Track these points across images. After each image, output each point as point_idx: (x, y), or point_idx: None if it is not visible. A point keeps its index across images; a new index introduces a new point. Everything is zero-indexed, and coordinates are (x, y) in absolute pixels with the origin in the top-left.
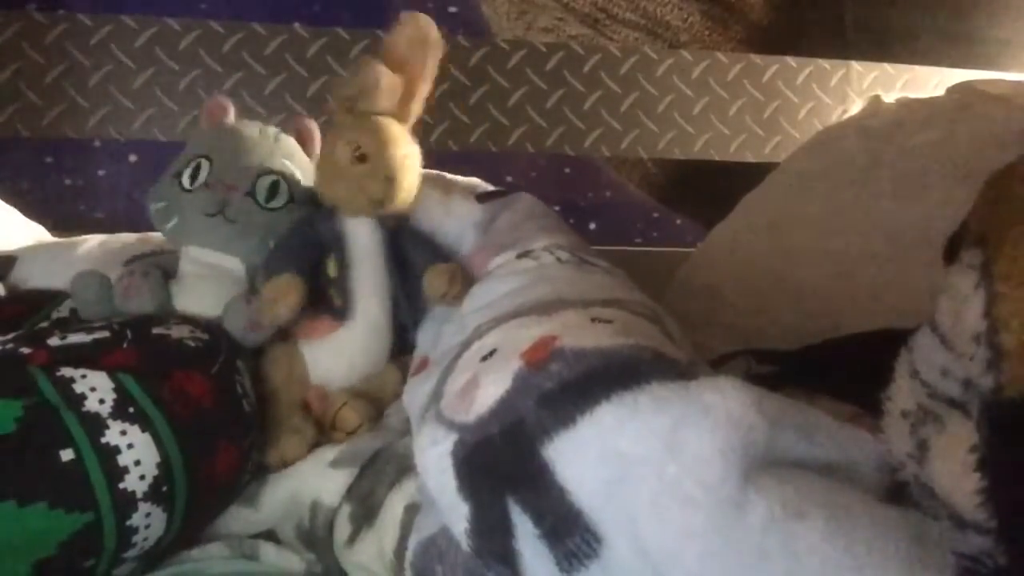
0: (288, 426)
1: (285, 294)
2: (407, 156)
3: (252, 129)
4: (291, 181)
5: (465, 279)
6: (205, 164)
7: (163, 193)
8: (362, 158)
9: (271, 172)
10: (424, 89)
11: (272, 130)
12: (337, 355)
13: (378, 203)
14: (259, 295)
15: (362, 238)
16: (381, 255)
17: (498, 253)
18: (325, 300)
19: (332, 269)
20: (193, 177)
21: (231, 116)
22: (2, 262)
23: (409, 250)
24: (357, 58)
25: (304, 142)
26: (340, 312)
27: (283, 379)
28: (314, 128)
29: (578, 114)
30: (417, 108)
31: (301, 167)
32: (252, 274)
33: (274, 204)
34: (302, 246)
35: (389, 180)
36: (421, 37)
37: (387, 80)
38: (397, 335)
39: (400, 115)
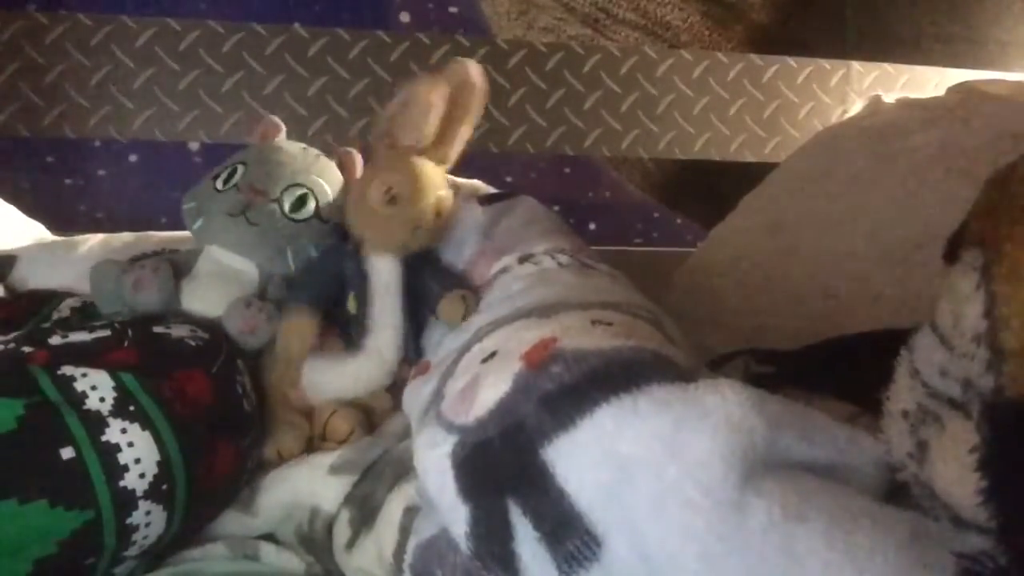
0: (284, 421)
1: (300, 333)
2: (440, 200)
3: (294, 147)
4: (320, 198)
5: (475, 302)
6: (240, 169)
7: (196, 193)
8: (393, 200)
9: (301, 186)
10: (465, 133)
11: (314, 151)
12: (337, 376)
13: (403, 247)
14: (269, 312)
15: (384, 275)
16: (399, 291)
17: (500, 257)
18: (340, 328)
19: (352, 306)
20: (227, 180)
21: (282, 137)
22: (2, 261)
23: (428, 278)
24: (357, 58)
25: (345, 169)
26: (355, 342)
27: (276, 377)
28: (357, 158)
29: (578, 114)
30: (456, 150)
31: (335, 189)
32: (265, 281)
33: (298, 216)
34: (324, 281)
35: (417, 228)
36: (470, 84)
37: (423, 100)
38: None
39: (439, 156)
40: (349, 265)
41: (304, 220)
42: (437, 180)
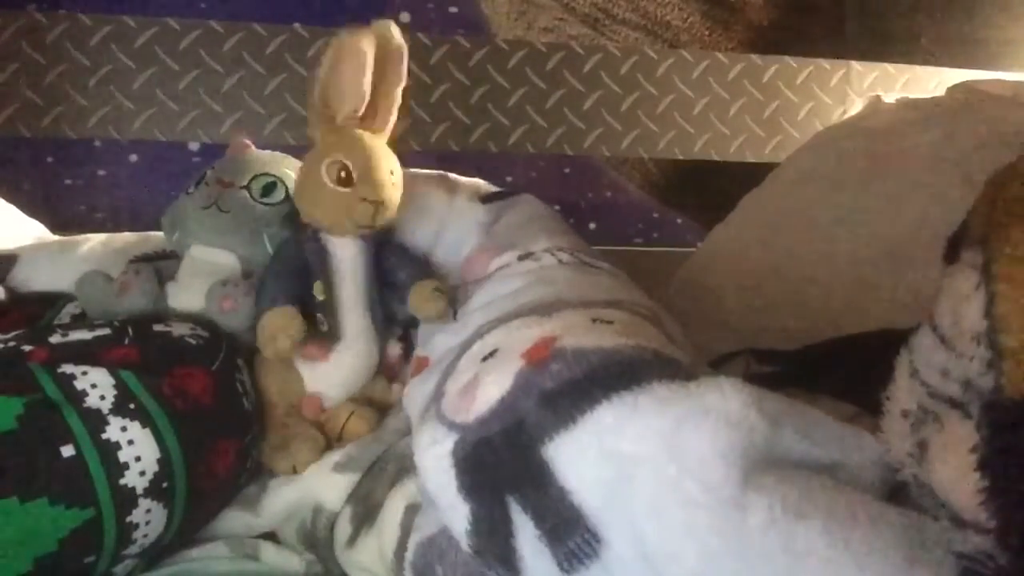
0: (301, 434)
1: (285, 327)
2: (392, 173)
3: (262, 151)
4: (290, 186)
5: (449, 292)
6: (209, 172)
7: (171, 208)
8: (347, 180)
9: (269, 175)
10: (397, 96)
11: (281, 153)
12: (331, 375)
13: (365, 227)
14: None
15: (347, 257)
16: (365, 273)
17: (500, 254)
18: (314, 324)
19: (319, 292)
20: (197, 185)
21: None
22: (3, 260)
23: (395, 265)
24: None
25: None
26: (329, 335)
27: (279, 386)
28: None
29: (578, 114)
30: (392, 117)
31: None
32: (247, 267)
33: (269, 200)
34: (290, 274)
35: (376, 204)
36: (393, 42)
37: (354, 51)
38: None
39: (377, 127)
40: (311, 252)
41: (275, 204)
42: (386, 152)
